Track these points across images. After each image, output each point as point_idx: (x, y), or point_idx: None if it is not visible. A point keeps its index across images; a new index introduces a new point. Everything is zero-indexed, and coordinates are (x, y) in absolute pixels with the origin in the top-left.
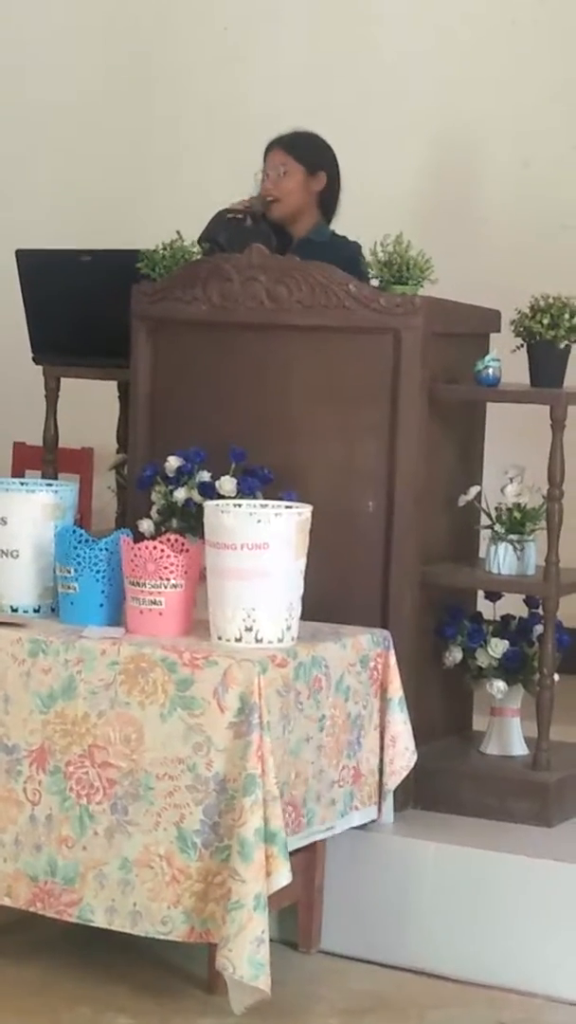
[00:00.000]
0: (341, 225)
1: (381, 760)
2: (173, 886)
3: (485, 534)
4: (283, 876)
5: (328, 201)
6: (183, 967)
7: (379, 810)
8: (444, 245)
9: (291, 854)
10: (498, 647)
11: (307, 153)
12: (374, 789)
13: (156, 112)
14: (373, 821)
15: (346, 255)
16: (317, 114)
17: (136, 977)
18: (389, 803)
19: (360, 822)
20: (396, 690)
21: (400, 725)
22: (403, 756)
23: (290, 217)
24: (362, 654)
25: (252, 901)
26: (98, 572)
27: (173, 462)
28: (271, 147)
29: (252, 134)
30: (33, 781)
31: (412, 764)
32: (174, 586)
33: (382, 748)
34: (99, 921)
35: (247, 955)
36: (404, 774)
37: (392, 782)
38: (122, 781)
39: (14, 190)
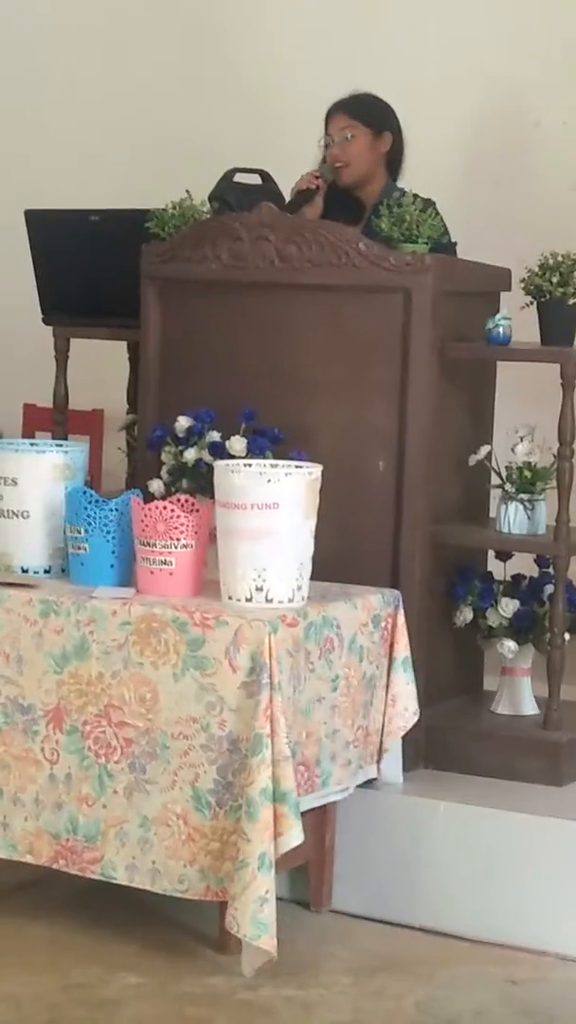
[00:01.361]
0: None
1: (383, 719)
2: (189, 844)
3: (495, 493)
4: (294, 836)
5: (395, 161)
6: (194, 926)
7: (378, 769)
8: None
9: (302, 814)
10: (509, 607)
11: (371, 114)
12: (375, 748)
13: (175, 72)
14: (374, 779)
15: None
16: (337, 79)
17: (147, 936)
18: (397, 763)
19: (362, 780)
20: (402, 650)
21: (402, 685)
22: (402, 716)
23: (360, 181)
24: (373, 614)
25: (257, 860)
26: (108, 533)
27: (183, 422)
28: (333, 112)
29: (274, 97)
30: (50, 741)
31: (411, 724)
32: (184, 546)
33: (384, 707)
34: (120, 878)
35: (251, 914)
36: (401, 734)
37: (388, 741)
38: (139, 740)
39: (29, 149)
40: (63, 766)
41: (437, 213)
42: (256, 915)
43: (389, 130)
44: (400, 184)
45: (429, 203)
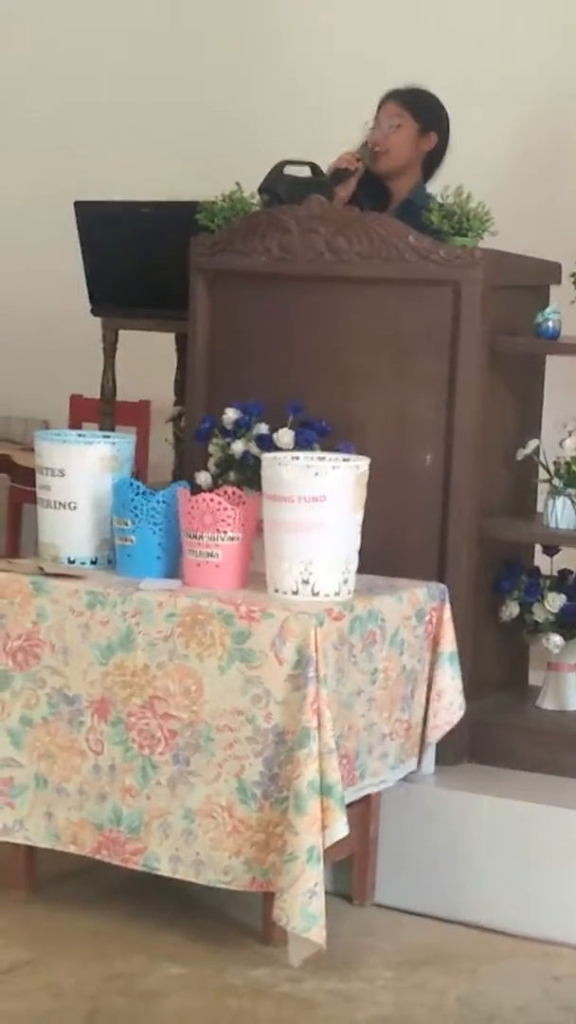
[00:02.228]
0: None
1: (426, 712)
2: (234, 836)
3: (543, 488)
4: (340, 829)
5: (433, 162)
6: (239, 918)
7: (419, 762)
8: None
9: (346, 807)
10: (555, 601)
11: (423, 110)
12: (416, 741)
13: (225, 64)
14: (413, 772)
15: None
16: (385, 72)
17: (191, 927)
18: (431, 754)
19: (403, 774)
20: (448, 644)
21: (448, 680)
22: (447, 711)
23: (394, 172)
24: (418, 607)
25: (305, 854)
26: (155, 524)
27: (231, 414)
28: (387, 98)
29: (325, 88)
30: (95, 732)
31: (456, 720)
32: (231, 538)
33: (428, 701)
34: (164, 870)
35: (300, 907)
36: (447, 729)
37: (434, 736)
38: (183, 732)
39: (78, 141)
40: (107, 757)
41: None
42: (305, 908)
43: (436, 131)
44: (437, 182)
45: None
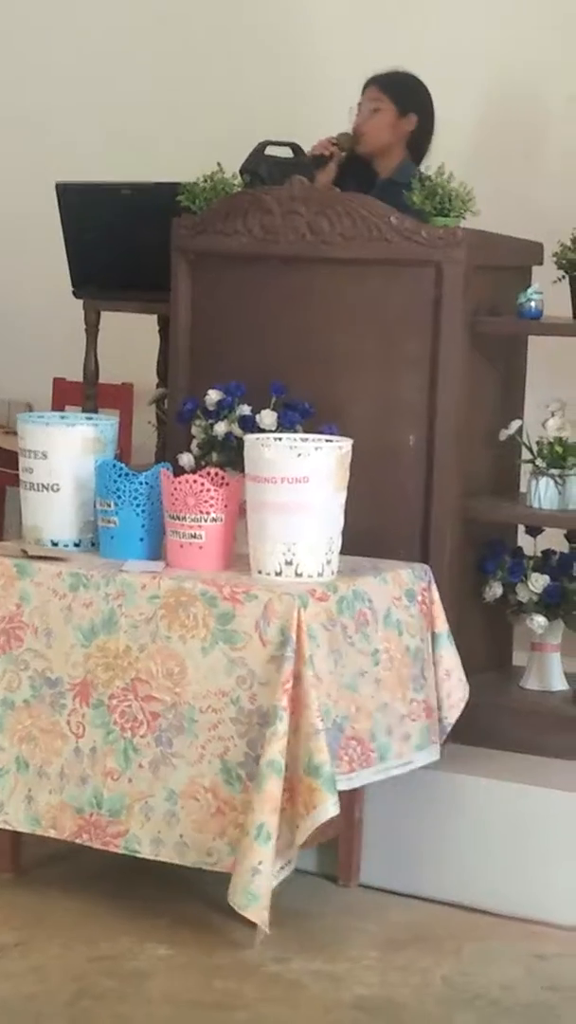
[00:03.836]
0: None
1: (438, 695)
2: (219, 818)
3: (526, 468)
4: (329, 808)
5: (418, 143)
6: (224, 900)
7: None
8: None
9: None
10: (538, 582)
11: (401, 93)
12: (436, 723)
13: (206, 44)
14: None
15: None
16: (367, 50)
17: (176, 909)
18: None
19: (432, 758)
20: (443, 624)
21: (452, 658)
22: (459, 688)
23: (376, 154)
24: (406, 588)
25: (255, 830)
26: (138, 506)
27: (213, 396)
28: (368, 83)
29: (303, 68)
30: (77, 714)
31: (467, 696)
32: (214, 520)
33: (436, 683)
34: (145, 852)
35: (242, 884)
36: (463, 705)
37: (452, 715)
38: (166, 714)
39: (57, 123)
40: (88, 740)
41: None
42: (247, 886)
43: (416, 112)
44: (425, 162)
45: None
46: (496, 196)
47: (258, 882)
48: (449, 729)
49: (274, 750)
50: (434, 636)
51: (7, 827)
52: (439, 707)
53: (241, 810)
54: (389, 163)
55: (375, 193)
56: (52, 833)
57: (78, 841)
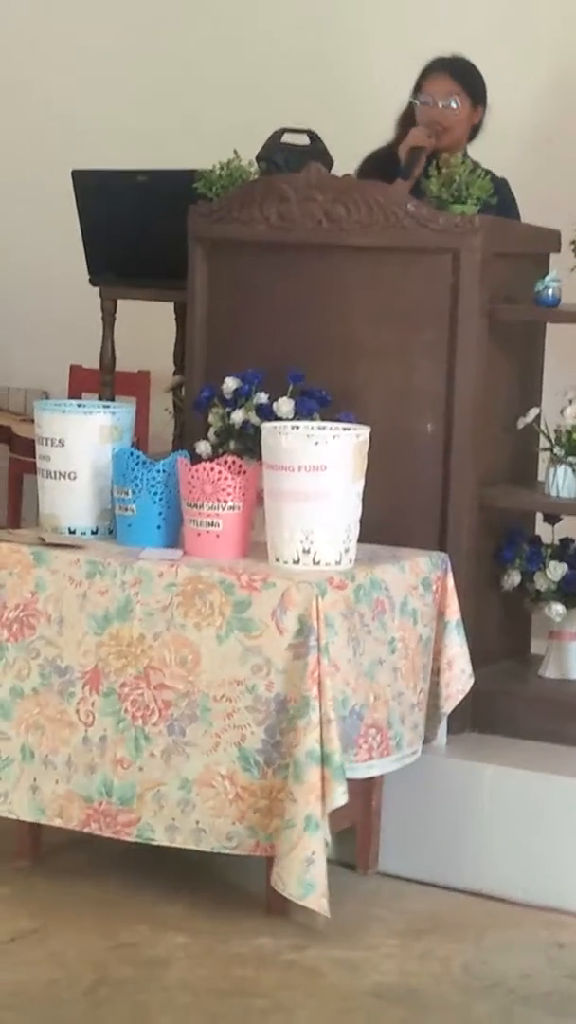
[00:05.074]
0: None
1: (436, 683)
2: (237, 803)
3: (544, 456)
4: (338, 798)
5: (474, 134)
6: (241, 887)
7: (430, 732)
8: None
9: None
10: (557, 570)
11: (475, 85)
12: (430, 712)
13: (223, 32)
14: (425, 743)
15: (499, 195)
16: (381, 39)
17: (195, 896)
18: (444, 725)
19: (417, 747)
20: (453, 613)
21: (457, 648)
22: (459, 680)
23: (452, 149)
24: (423, 576)
25: (303, 821)
26: (155, 494)
27: (230, 384)
28: (435, 70)
29: (324, 54)
30: (86, 703)
31: (468, 688)
32: (231, 508)
33: (437, 672)
34: (160, 839)
35: (297, 874)
36: (460, 698)
37: (448, 706)
38: (178, 703)
39: (75, 110)
40: (98, 728)
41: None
42: (302, 876)
43: (484, 104)
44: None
45: (503, 182)
46: (514, 184)
47: (313, 872)
48: (444, 720)
49: (311, 739)
50: (443, 624)
51: (11, 816)
52: (436, 696)
53: (261, 796)
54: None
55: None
56: (58, 822)
57: (86, 830)
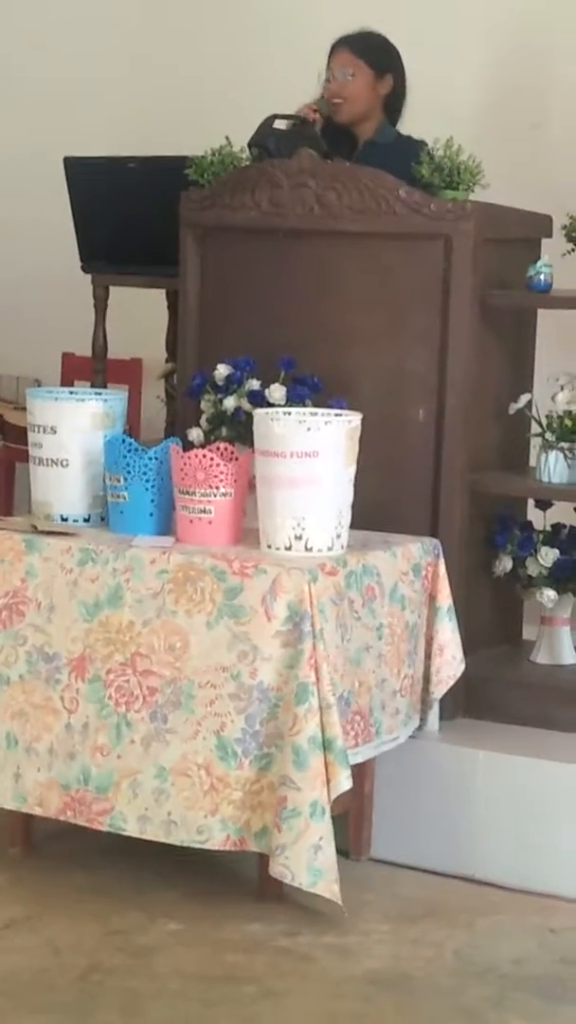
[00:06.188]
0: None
1: (427, 668)
2: (211, 795)
3: (536, 442)
4: (342, 783)
5: (394, 104)
6: (233, 874)
7: (423, 718)
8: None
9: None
10: (548, 556)
11: (375, 55)
12: (419, 697)
13: (213, 18)
14: (418, 729)
15: (413, 154)
16: (373, 19)
17: (186, 884)
18: (435, 711)
19: (412, 730)
20: (445, 598)
21: (448, 634)
22: (450, 665)
23: (356, 119)
24: (413, 563)
25: (308, 808)
26: (148, 481)
27: (222, 370)
28: (338, 47)
29: (315, 40)
30: (71, 690)
31: (459, 673)
32: (224, 495)
33: (428, 657)
34: (130, 830)
35: (306, 862)
36: (451, 683)
37: (439, 691)
38: (163, 689)
39: (65, 98)
40: (81, 715)
41: (431, 156)
42: (311, 863)
43: (391, 72)
44: (411, 123)
45: (422, 144)
46: (505, 168)
47: (321, 858)
48: (436, 705)
49: (312, 726)
50: (434, 610)
51: None
52: (427, 681)
53: (235, 787)
54: (368, 127)
55: (359, 157)
56: (38, 811)
57: (63, 818)
